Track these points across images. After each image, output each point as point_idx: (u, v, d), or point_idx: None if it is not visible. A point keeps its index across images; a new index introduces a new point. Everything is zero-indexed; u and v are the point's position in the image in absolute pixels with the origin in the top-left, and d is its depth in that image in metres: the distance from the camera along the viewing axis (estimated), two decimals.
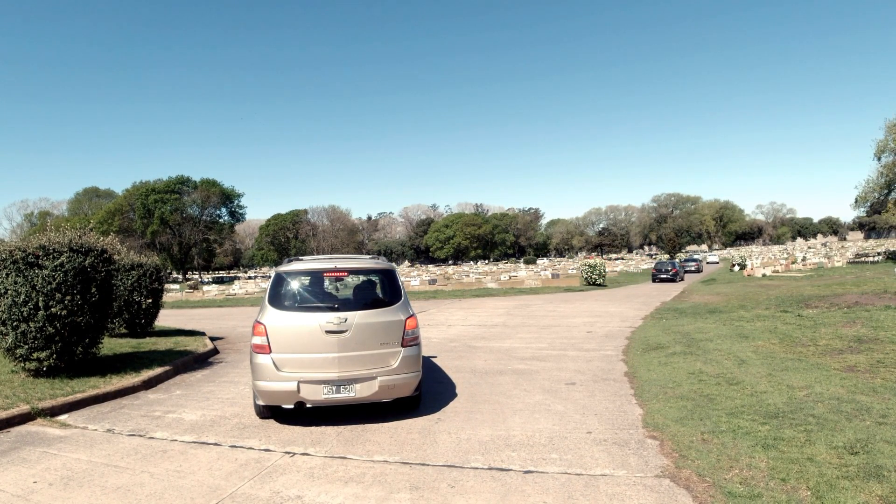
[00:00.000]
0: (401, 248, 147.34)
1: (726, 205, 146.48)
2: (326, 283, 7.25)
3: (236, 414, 6.66)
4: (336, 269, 6.70)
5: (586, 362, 9.28)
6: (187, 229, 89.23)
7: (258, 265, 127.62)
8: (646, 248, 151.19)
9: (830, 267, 40.74)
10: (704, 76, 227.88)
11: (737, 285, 29.83)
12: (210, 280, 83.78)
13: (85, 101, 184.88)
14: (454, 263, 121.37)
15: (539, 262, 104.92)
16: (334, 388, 5.88)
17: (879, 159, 43.07)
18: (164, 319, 19.34)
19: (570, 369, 8.71)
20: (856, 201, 47.60)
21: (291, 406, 5.95)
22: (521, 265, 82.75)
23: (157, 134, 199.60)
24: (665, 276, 39.56)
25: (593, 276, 32.69)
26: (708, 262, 75.85)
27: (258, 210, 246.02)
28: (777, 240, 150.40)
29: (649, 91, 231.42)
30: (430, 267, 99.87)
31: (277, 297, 6.25)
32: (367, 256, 7.41)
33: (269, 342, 5.94)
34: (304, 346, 5.91)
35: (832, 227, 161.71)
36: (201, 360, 10.75)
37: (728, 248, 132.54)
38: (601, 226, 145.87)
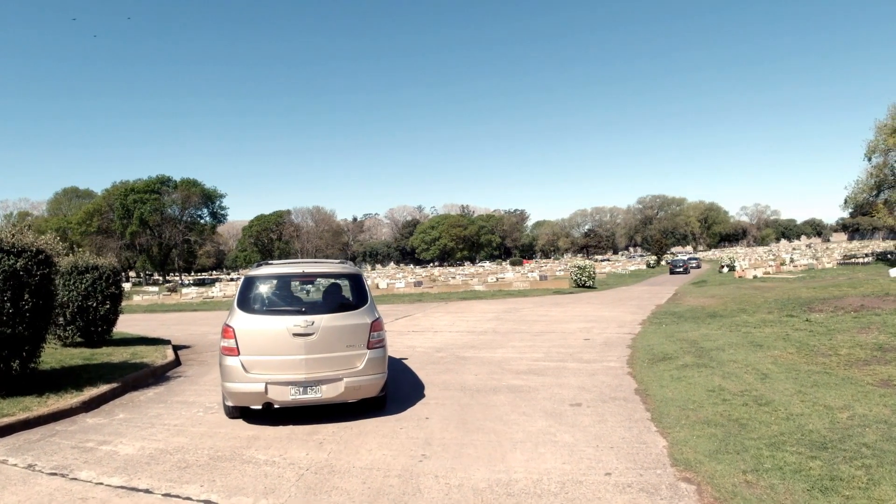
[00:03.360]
0: (386, 250, 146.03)
1: (711, 206, 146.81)
2: (294, 287, 7.39)
3: (180, 447, 5.57)
4: (303, 274, 6.95)
5: (589, 376, 8.29)
6: (167, 230, 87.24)
7: (241, 267, 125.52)
8: (630, 249, 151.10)
9: (821, 268, 40.27)
10: (690, 78, 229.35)
11: (729, 287, 29.11)
12: (191, 282, 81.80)
13: (67, 99, 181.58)
14: (440, 265, 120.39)
15: (525, 263, 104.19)
16: (301, 389, 5.96)
17: (870, 160, 42.71)
18: (133, 325, 18.18)
19: (572, 385, 7.71)
20: (845, 202, 47.34)
21: (259, 407, 6.02)
22: (508, 267, 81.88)
23: (139, 133, 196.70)
24: (679, 269, 53.41)
25: (583, 279, 31.74)
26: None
27: (242, 211, 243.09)
28: (761, 241, 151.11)
29: (634, 92, 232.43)
30: (416, 268, 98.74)
31: (246, 300, 6.32)
32: (336, 261, 7.55)
33: (237, 345, 6.00)
34: (271, 349, 5.98)
35: (816, 229, 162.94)
36: (158, 375, 9.62)
37: (713, 250, 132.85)
38: (587, 227, 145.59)
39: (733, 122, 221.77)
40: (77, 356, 10.53)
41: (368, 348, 6.22)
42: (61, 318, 11.45)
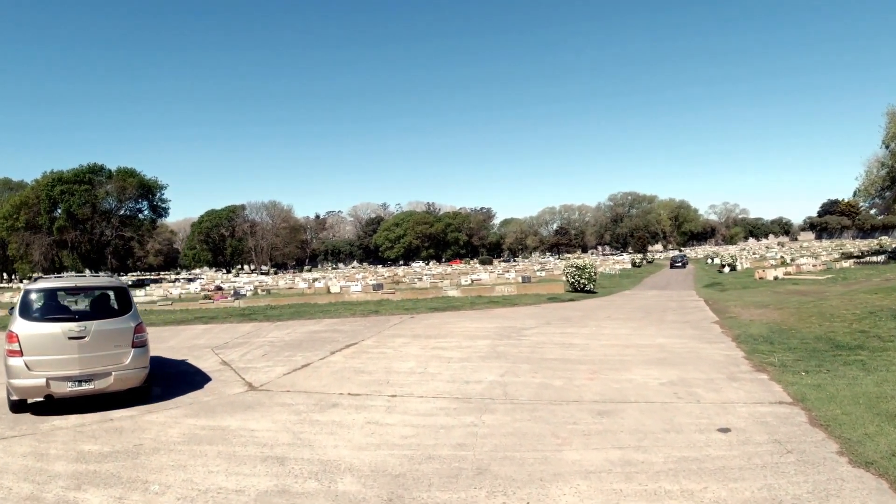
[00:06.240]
0: (349, 248, 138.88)
1: (682, 204, 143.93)
2: (68, 298, 8.91)
3: None
4: (75, 287, 8.43)
5: None
6: (100, 225, 78.19)
7: (190, 266, 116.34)
8: (600, 248, 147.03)
9: (839, 268, 35.27)
10: (659, 75, 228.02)
11: (765, 292, 23.39)
12: (128, 283, 73.28)
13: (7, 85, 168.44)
14: (405, 264, 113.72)
15: (495, 262, 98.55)
16: (77, 383, 7.08)
17: (888, 147, 38.66)
18: None
19: None
20: (855, 194, 43.32)
21: (41, 398, 7.10)
22: (479, 266, 75.89)
23: (78, 123, 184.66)
24: (678, 264, 58.39)
25: (582, 282, 25.54)
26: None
27: (199, 207, 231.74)
28: (730, 240, 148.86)
29: (603, 89, 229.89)
30: (379, 268, 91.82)
31: (27, 309, 7.24)
32: (104, 276, 9.22)
33: (20, 347, 6.92)
34: (50, 350, 6.99)
35: (783, 228, 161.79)
36: None
37: (683, 248, 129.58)
38: (555, 225, 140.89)
39: (704, 119, 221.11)
40: None
41: (133, 347, 7.50)
42: None
